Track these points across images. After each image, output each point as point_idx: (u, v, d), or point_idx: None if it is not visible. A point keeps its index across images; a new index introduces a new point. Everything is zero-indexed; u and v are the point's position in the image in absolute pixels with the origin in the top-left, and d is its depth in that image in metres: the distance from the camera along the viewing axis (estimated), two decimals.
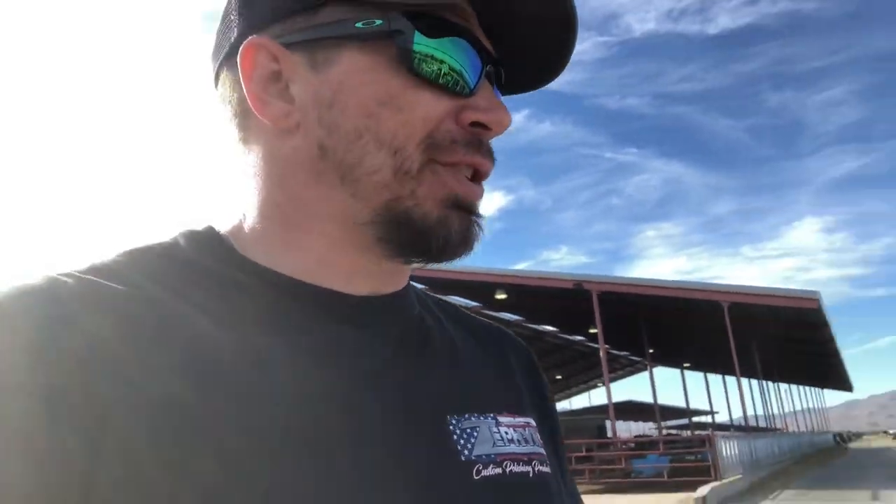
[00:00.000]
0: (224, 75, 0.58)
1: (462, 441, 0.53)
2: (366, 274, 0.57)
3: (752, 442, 22.12)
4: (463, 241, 0.55)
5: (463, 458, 0.52)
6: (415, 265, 0.58)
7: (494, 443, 0.55)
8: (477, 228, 0.56)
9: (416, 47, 0.51)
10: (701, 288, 22.36)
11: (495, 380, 0.64)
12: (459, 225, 0.54)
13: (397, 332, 0.58)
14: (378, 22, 0.51)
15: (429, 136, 0.53)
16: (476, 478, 0.52)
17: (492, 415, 0.57)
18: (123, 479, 0.41)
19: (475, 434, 0.54)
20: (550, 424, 0.68)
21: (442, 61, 0.52)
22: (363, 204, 0.53)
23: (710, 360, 36.64)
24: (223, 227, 0.60)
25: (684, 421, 43.45)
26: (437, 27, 0.52)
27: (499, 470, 0.54)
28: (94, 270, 0.50)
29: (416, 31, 0.51)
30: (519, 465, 0.56)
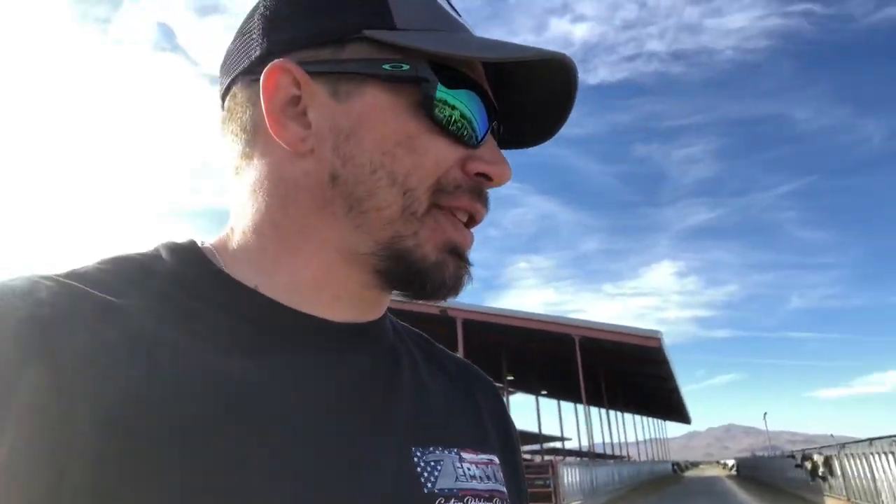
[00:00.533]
0: (237, 90, 0.59)
1: (426, 473, 0.54)
2: (349, 301, 0.58)
3: (593, 469, 23.31)
4: (454, 286, 0.58)
5: (426, 491, 0.53)
6: (401, 298, 0.60)
7: (457, 477, 0.56)
8: (467, 276, 0.59)
9: (438, 95, 0.54)
10: (556, 321, 23.81)
11: (461, 416, 0.64)
12: (454, 270, 0.57)
13: (369, 361, 0.59)
14: (405, 67, 0.54)
15: (437, 181, 0.55)
16: None
17: (456, 450, 0.58)
18: (91, 483, 0.41)
19: (439, 467, 0.55)
20: (514, 464, 0.69)
21: (457, 110, 0.55)
22: (366, 236, 0.55)
23: (564, 388, 38.34)
24: (209, 240, 0.60)
25: (536, 447, 44.86)
26: (455, 79, 0.55)
27: None
28: (76, 276, 0.50)
29: (439, 81, 0.54)
30: (479, 501, 0.56)
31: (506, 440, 0.70)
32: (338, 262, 0.56)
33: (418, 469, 0.54)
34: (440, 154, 0.55)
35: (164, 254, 0.57)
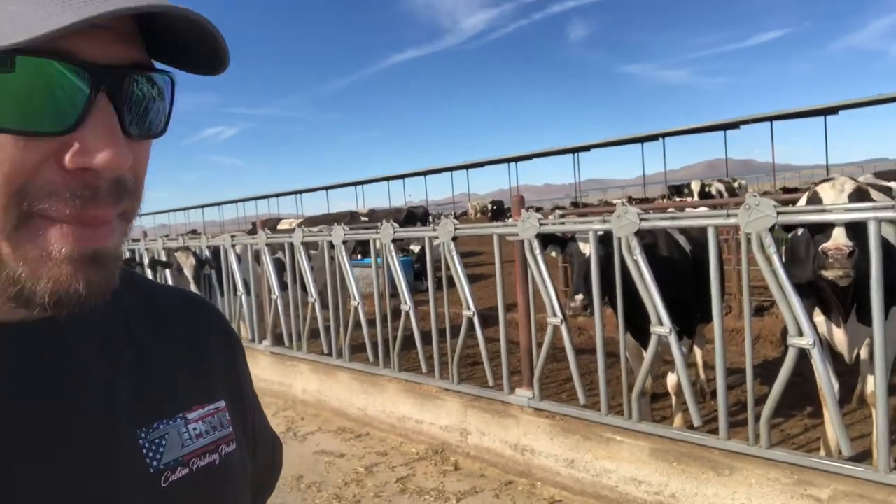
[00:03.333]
0: None
1: (151, 453, 0.56)
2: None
3: None
4: (82, 297, 0.48)
5: (152, 470, 0.56)
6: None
7: (182, 444, 0.59)
8: (109, 280, 0.50)
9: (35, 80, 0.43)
10: None
11: (186, 373, 0.64)
12: (85, 278, 0.48)
13: (85, 352, 0.56)
14: None
15: (27, 188, 0.44)
16: (164, 485, 0.56)
17: (181, 414, 0.60)
18: None
19: (164, 442, 0.58)
20: (241, 395, 0.71)
21: (22, 95, 0.43)
22: None
23: None
24: None
25: None
26: (11, 55, 0.42)
27: (186, 470, 0.58)
28: None
29: None
30: (205, 457, 0.60)
31: (235, 375, 0.71)
32: None
33: (144, 450, 0.56)
34: (10, 152, 0.44)
35: None
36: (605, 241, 3.64)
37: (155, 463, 0.57)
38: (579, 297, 3.70)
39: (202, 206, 61.82)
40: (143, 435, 0.57)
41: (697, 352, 5.00)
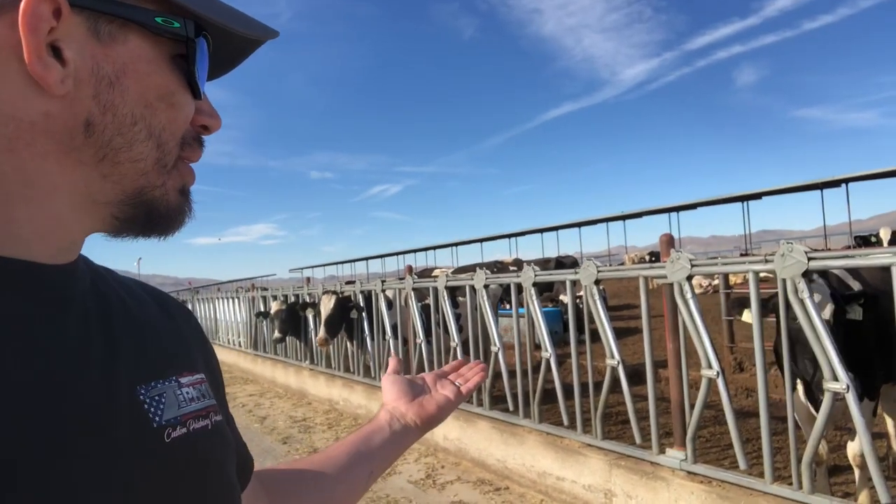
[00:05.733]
0: None
1: (153, 409, 0.57)
2: (68, 248, 0.56)
3: None
4: (183, 222, 0.61)
5: (155, 425, 0.57)
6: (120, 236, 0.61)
7: (179, 405, 0.60)
8: (191, 211, 0.62)
9: (196, 55, 0.57)
10: None
11: (173, 343, 0.67)
12: (187, 208, 0.61)
13: (83, 304, 0.58)
14: (176, 24, 0.55)
15: (183, 135, 0.59)
16: (167, 440, 0.57)
17: (174, 378, 0.62)
18: None
19: (163, 400, 0.59)
20: (216, 378, 0.74)
21: (200, 67, 0.58)
22: (113, 186, 0.55)
23: None
24: None
25: None
26: (200, 33, 0.58)
27: (184, 430, 0.59)
28: None
29: (198, 39, 0.57)
30: (199, 420, 0.62)
31: (207, 357, 0.74)
32: (67, 210, 0.54)
33: (145, 406, 0.57)
34: (189, 109, 0.59)
35: None
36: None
37: (157, 418, 0.57)
38: None
39: (366, 259, 65.41)
40: (142, 391, 0.57)
41: (889, 421, 4.27)
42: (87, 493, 0.49)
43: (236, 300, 12.94)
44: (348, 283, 9.70)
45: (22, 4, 0.48)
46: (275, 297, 9.95)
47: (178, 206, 0.60)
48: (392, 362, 1.13)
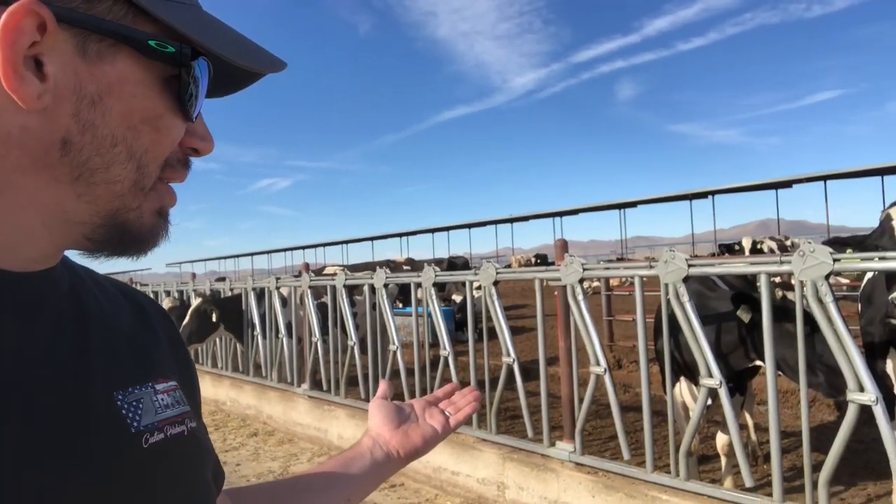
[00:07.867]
0: None
1: (130, 415, 0.57)
2: (42, 258, 0.56)
3: None
4: (157, 243, 0.60)
5: (133, 431, 0.57)
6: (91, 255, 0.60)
7: (156, 411, 0.60)
8: (167, 232, 0.61)
9: (190, 79, 0.56)
10: None
11: (149, 347, 0.66)
12: (163, 231, 0.60)
13: (58, 311, 0.57)
14: (171, 49, 0.53)
15: (168, 157, 0.57)
16: (146, 446, 0.57)
17: (150, 384, 0.62)
18: None
19: (140, 406, 0.59)
20: (190, 378, 0.74)
21: (196, 89, 0.56)
22: (87, 206, 0.54)
23: None
24: None
25: None
26: (197, 56, 0.56)
27: (162, 435, 0.59)
28: None
29: (193, 65, 0.55)
30: (176, 426, 0.62)
31: (182, 360, 0.73)
32: (39, 225, 0.53)
33: (123, 412, 0.57)
34: (176, 133, 0.57)
35: None
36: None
37: (135, 424, 0.57)
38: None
39: (251, 255, 63.26)
40: (120, 397, 0.58)
41: (747, 414, 4.76)
42: (64, 500, 0.49)
43: None
44: (218, 279, 9.36)
45: (3, 17, 0.47)
46: (167, 294, 9.46)
47: (152, 228, 0.58)
48: (382, 387, 1.09)
